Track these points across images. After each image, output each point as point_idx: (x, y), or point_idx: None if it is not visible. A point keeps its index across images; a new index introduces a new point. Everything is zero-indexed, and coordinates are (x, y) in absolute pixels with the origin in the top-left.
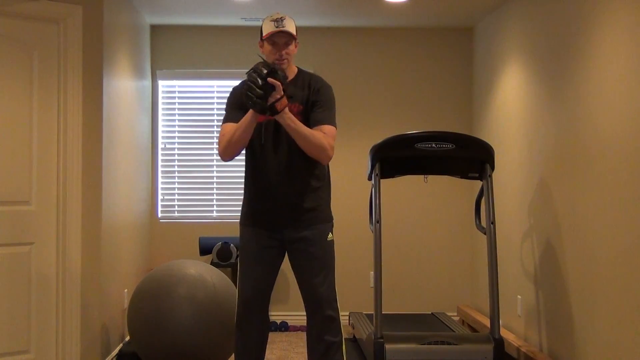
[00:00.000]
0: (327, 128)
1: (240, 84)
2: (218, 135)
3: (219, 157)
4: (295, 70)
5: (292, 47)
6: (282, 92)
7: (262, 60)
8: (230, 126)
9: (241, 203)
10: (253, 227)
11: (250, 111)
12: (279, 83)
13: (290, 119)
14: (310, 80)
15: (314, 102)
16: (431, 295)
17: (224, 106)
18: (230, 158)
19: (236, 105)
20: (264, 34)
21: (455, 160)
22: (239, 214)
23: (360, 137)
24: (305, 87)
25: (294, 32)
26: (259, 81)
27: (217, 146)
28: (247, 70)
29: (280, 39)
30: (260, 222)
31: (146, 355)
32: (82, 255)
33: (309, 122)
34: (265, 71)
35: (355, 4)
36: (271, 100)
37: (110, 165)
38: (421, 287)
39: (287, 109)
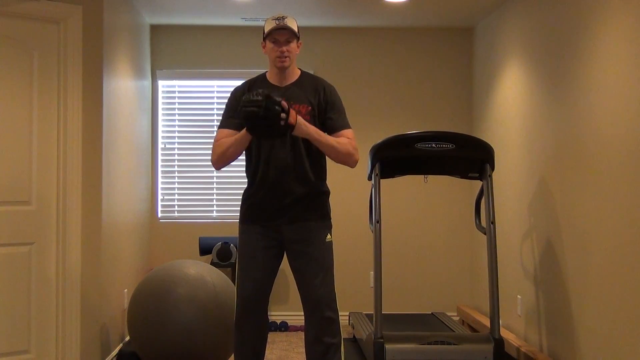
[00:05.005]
0: (348, 132)
1: (240, 85)
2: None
3: None
4: (298, 72)
5: (293, 45)
6: (288, 107)
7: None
8: (226, 133)
9: (240, 202)
10: (252, 225)
11: (244, 129)
12: (284, 103)
13: (313, 131)
14: (316, 82)
15: (328, 107)
16: (431, 295)
17: (224, 106)
18: (221, 167)
19: (234, 112)
20: (265, 32)
21: (455, 160)
22: (239, 214)
23: (360, 137)
24: (312, 89)
25: (295, 29)
26: (260, 112)
27: (211, 152)
28: (240, 108)
29: (281, 36)
30: (259, 217)
31: (146, 355)
32: (82, 255)
33: (317, 123)
34: (260, 98)
35: (355, 4)
36: (282, 120)
37: (110, 165)
38: (421, 287)
39: (300, 120)
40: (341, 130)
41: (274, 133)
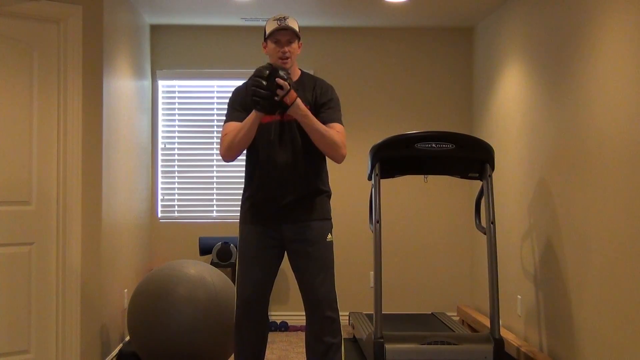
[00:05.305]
0: (338, 127)
1: (242, 84)
2: (218, 135)
3: (219, 157)
4: (299, 72)
5: (295, 45)
6: (288, 86)
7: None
8: (233, 126)
9: (240, 203)
10: (253, 225)
11: (254, 112)
12: (283, 80)
13: (304, 112)
14: (315, 82)
15: (322, 103)
16: (431, 295)
17: (224, 106)
18: (232, 159)
19: (238, 105)
20: (267, 33)
21: (455, 160)
22: (239, 214)
23: (360, 137)
24: (311, 88)
25: (297, 29)
26: (262, 82)
27: (219, 147)
28: (251, 76)
29: (283, 36)
30: (259, 217)
31: (146, 355)
32: (82, 255)
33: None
34: (266, 71)
35: (355, 4)
36: (278, 96)
37: (110, 165)
38: (421, 287)
39: (298, 101)
40: (333, 122)
41: (266, 107)
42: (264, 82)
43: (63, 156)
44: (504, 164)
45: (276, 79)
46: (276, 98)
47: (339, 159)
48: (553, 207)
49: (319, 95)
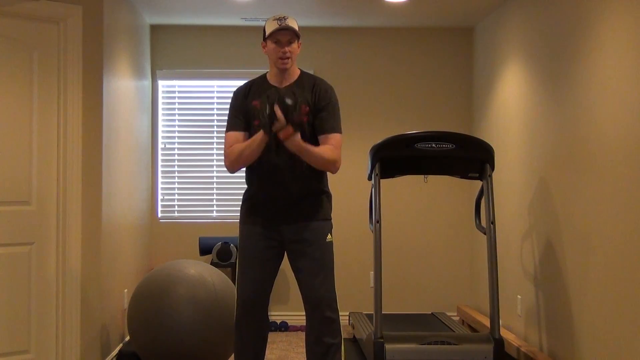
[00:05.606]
0: (334, 138)
1: (242, 85)
2: (218, 135)
3: (219, 157)
4: (298, 72)
5: (295, 45)
6: (285, 123)
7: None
8: (235, 137)
9: (240, 203)
10: (253, 225)
11: (261, 132)
12: (279, 114)
13: (297, 146)
14: (314, 81)
15: (321, 107)
16: (431, 295)
17: (224, 106)
18: (236, 171)
19: (238, 111)
20: (267, 33)
21: (455, 160)
22: (239, 214)
23: (360, 137)
24: (310, 89)
25: (297, 29)
26: (267, 108)
27: (224, 157)
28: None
29: (283, 36)
30: (259, 217)
31: (146, 355)
32: (82, 255)
33: (314, 124)
34: (273, 98)
35: (355, 4)
36: (274, 129)
37: (110, 165)
38: (421, 287)
39: (294, 138)
40: (329, 133)
41: (266, 131)
42: (267, 110)
43: (63, 156)
44: (504, 164)
45: (275, 111)
46: (273, 129)
47: (332, 172)
48: (553, 207)
49: (317, 98)
